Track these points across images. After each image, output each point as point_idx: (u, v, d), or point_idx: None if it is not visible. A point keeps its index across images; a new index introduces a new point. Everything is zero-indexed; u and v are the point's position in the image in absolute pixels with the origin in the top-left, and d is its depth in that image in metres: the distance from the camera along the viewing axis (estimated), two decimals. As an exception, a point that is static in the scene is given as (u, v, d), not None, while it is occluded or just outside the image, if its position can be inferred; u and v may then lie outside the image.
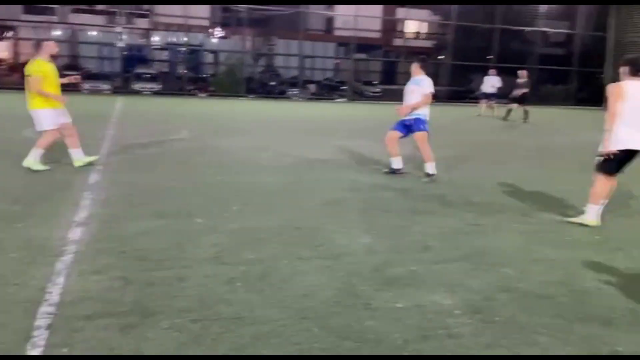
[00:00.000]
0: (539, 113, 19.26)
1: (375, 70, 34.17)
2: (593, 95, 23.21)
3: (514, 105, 17.36)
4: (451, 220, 5.39)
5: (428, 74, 7.37)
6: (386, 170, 7.61)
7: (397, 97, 8.67)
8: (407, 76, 7.66)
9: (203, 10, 28.74)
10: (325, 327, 3.04)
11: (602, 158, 5.25)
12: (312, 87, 29.04)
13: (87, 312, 3.08)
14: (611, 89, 5.19)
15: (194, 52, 30.29)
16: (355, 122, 16.25)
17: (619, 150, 5.16)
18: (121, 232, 4.57)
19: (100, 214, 5.09)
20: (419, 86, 7.21)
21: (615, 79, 5.36)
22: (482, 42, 27.22)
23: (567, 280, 3.86)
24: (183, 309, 3.16)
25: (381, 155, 8.25)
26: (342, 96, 27.24)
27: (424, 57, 8.63)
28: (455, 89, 27.82)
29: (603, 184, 5.31)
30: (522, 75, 17.44)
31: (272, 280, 3.66)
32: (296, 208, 5.62)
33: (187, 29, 26.12)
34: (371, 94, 28.54)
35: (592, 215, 5.34)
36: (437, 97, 7.50)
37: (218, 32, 31.39)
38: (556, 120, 19.42)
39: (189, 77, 27.43)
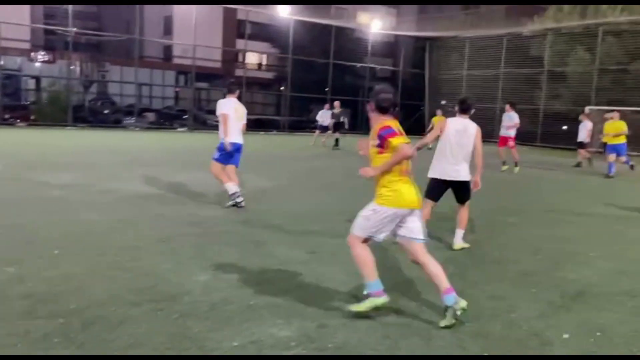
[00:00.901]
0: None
1: (218, 100, 33.98)
2: (415, 126, 25.80)
3: (337, 134, 19.23)
4: (290, 249, 5.48)
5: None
6: (228, 203, 7.49)
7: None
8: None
9: (22, 31, 26.02)
10: (155, 377, 2.83)
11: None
12: (151, 116, 27.82)
13: None
14: (439, 121, 5.89)
15: (12, 77, 27.13)
16: (196, 152, 15.85)
17: (431, 178, 5.80)
18: None
19: None
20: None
21: (433, 112, 6.07)
22: (319, 76, 28.80)
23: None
24: (-19, 378, 2.71)
25: (220, 187, 8.13)
26: (183, 125, 26.56)
27: (230, 82, 9.38)
28: (296, 119, 28.99)
29: (425, 209, 5.85)
30: (337, 106, 19.77)
31: (95, 331, 3.32)
32: (126, 248, 5.24)
33: (3, 51, 23.35)
34: (214, 122, 28.28)
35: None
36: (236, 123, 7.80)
37: (41, 56, 28.65)
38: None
39: (6, 104, 24.47)
